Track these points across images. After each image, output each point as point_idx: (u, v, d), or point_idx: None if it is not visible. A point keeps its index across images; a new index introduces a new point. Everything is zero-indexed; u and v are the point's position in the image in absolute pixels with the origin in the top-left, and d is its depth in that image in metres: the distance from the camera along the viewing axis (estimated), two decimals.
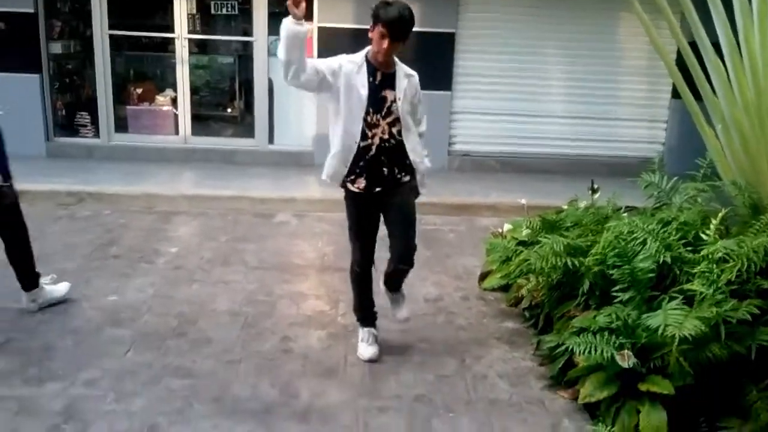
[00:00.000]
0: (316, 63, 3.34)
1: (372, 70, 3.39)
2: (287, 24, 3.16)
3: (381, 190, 3.50)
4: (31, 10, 7.58)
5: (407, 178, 3.55)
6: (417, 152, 3.54)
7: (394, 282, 3.81)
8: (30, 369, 3.46)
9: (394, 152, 3.46)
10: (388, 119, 3.41)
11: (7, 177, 3.99)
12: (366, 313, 3.84)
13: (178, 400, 3.24)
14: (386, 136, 3.42)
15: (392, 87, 3.41)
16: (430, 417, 3.21)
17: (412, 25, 3.30)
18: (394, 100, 3.41)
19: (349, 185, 3.52)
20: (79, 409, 3.13)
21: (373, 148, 3.42)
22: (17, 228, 4.06)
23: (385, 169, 3.47)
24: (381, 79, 3.40)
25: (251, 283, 4.75)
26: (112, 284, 4.61)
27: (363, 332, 3.81)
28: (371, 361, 3.69)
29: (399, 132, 3.43)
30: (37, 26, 7.66)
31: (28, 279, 4.12)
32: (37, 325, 3.94)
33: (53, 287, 4.27)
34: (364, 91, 3.36)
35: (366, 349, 3.74)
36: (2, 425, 2.98)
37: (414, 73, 3.52)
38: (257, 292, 4.61)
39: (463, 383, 3.52)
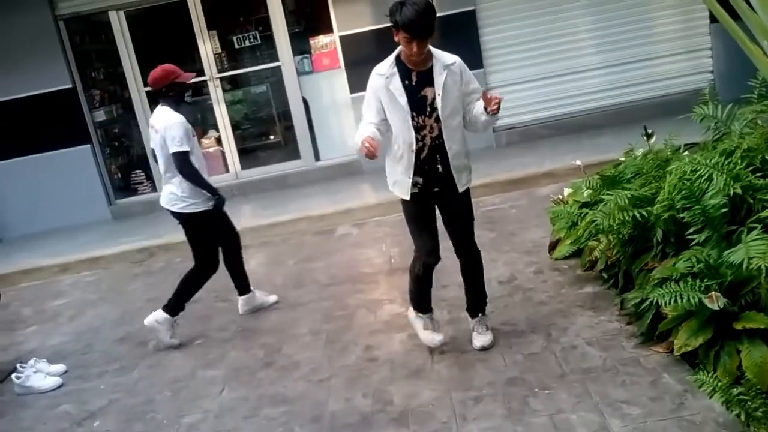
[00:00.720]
0: (371, 118, 3.39)
1: (406, 72, 3.32)
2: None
3: (438, 190, 3.49)
4: (70, 85, 7.92)
5: (465, 184, 3.53)
6: (459, 157, 3.46)
7: (474, 295, 3.78)
8: (136, 425, 3.60)
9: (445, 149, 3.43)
10: (434, 116, 3.36)
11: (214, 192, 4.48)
12: (426, 300, 3.79)
13: (278, 427, 3.31)
14: (435, 134, 3.37)
15: (431, 83, 3.32)
16: (526, 398, 3.17)
17: (434, 17, 3.19)
18: (434, 97, 3.33)
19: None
20: None
21: (426, 149, 3.39)
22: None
23: (439, 166, 3.43)
24: (417, 80, 3.32)
25: (326, 300, 4.81)
26: (197, 328, 4.75)
27: (424, 320, 3.78)
28: (442, 344, 3.69)
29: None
30: (78, 99, 8.00)
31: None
32: (135, 384, 4.10)
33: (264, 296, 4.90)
34: (402, 99, 3.31)
35: (432, 336, 3.73)
36: None
37: (454, 59, 3.38)
38: (333, 307, 4.67)
39: (553, 357, 3.47)
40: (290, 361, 4.00)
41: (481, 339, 3.71)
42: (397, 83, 3.31)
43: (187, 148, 4.22)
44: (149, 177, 8.41)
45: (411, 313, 3.85)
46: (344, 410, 3.36)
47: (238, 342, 4.41)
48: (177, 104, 4.29)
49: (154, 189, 8.39)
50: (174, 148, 4.20)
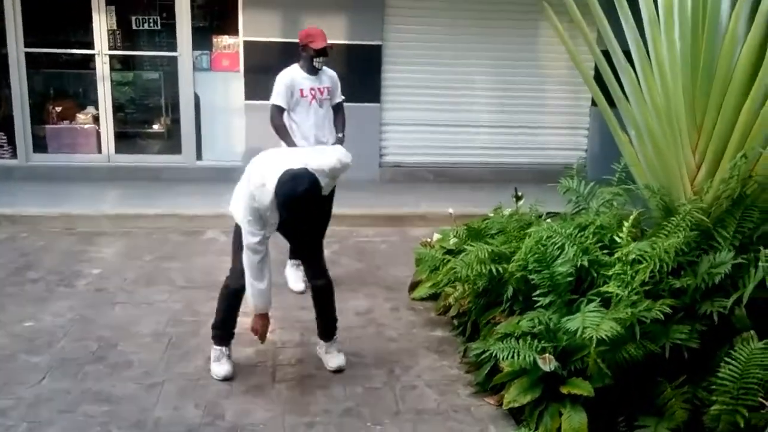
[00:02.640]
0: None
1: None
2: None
3: None
4: None
5: None
6: None
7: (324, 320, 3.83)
8: None
9: None
10: None
11: None
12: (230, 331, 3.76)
13: (95, 427, 3.13)
14: None
15: None
16: (359, 430, 3.18)
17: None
18: None
19: None
20: None
21: None
22: None
23: None
24: None
25: (177, 303, 4.64)
26: (28, 309, 4.42)
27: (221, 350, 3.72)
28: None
29: None
30: None
31: None
32: None
33: None
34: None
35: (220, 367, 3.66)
36: None
37: None
38: (183, 311, 4.50)
39: (391, 394, 3.52)
40: (124, 359, 3.80)
41: (336, 359, 3.75)
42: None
43: (278, 102, 4.63)
44: (11, 141, 7.80)
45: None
46: (171, 418, 3.22)
47: (73, 330, 4.14)
48: (307, 65, 4.67)
49: (13, 155, 7.79)
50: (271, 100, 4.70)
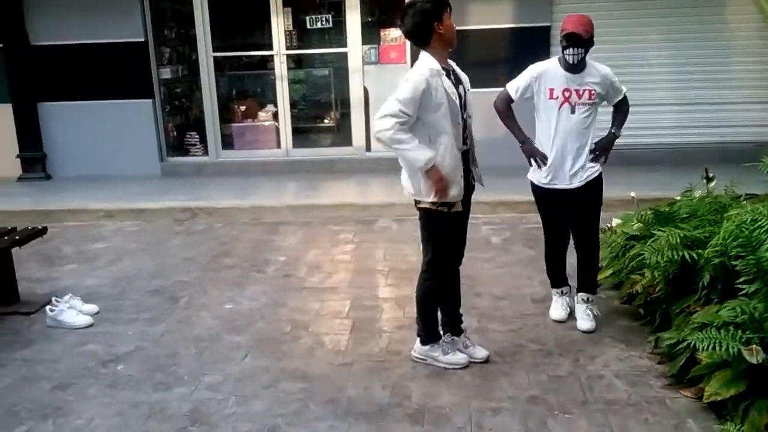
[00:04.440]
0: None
1: (446, 72, 3.33)
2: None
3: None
4: (142, 39, 8.09)
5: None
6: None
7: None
8: (158, 375, 3.67)
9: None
10: (465, 115, 3.40)
11: None
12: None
13: (295, 403, 3.34)
14: (467, 134, 3.44)
15: (461, 81, 3.41)
16: (545, 418, 3.14)
17: None
18: (466, 95, 3.41)
19: None
20: (204, 412, 3.29)
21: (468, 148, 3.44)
22: None
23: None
24: (453, 79, 3.37)
25: (357, 288, 4.84)
26: (227, 293, 4.82)
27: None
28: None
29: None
30: (148, 54, 8.17)
31: None
32: (161, 335, 4.18)
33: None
34: (455, 96, 3.29)
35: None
36: (135, 428, 3.18)
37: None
38: (363, 296, 4.69)
39: (578, 384, 3.43)
40: (316, 340, 4.03)
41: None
42: (448, 81, 3.29)
43: (511, 91, 3.88)
44: (203, 140, 8.54)
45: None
46: (361, 398, 3.37)
47: (268, 313, 4.46)
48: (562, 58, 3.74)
49: (205, 152, 8.53)
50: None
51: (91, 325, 4.32)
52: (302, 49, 8.53)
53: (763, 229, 3.21)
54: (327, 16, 8.41)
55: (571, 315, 4.15)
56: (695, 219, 4.02)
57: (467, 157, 3.44)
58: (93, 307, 4.52)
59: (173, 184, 7.90)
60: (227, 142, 8.60)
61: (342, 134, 8.71)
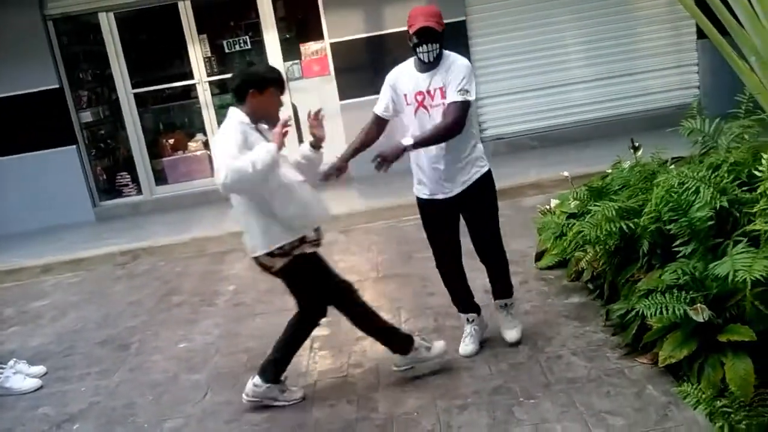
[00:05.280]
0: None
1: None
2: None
3: None
4: (57, 86, 7.85)
5: None
6: None
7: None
8: (117, 429, 3.55)
9: None
10: None
11: None
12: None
13: None
14: None
15: None
16: (511, 407, 3.17)
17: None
18: None
19: None
20: None
21: None
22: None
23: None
24: None
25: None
26: (179, 332, 4.71)
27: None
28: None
29: None
30: (65, 99, 7.93)
31: None
32: (116, 387, 4.04)
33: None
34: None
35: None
36: None
37: None
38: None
39: (538, 367, 3.47)
40: None
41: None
42: (258, 134, 3.30)
43: (375, 110, 3.54)
44: (135, 179, 8.34)
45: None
46: (328, 416, 3.34)
47: (223, 346, 4.38)
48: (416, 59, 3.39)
49: (139, 191, 8.33)
50: None
51: (40, 388, 4.15)
52: (224, 74, 8.40)
53: (690, 191, 3.31)
54: (244, 37, 8.35)
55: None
56: (627, 189, 4.11)
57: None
58: (40, 369, 4.34)
59: (109, 227, 7.68)
60: (160, 178, 8.42)
61: None
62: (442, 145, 3.35)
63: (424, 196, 3.58)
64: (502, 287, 3.83)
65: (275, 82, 3.24)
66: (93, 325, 5.12)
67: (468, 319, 3.82)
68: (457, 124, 3.24)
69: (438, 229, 3.65)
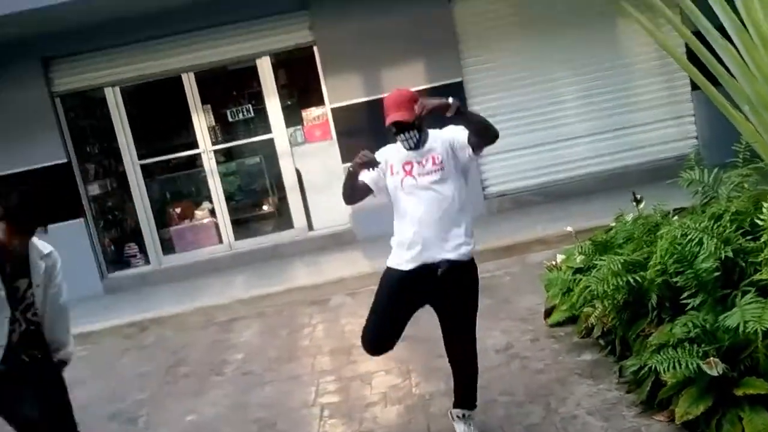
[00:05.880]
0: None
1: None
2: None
3: None
4: (65, 160, 7.98)
5: None
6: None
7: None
8: None
9: None
10: None
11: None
12: None
13: None
14: None
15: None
16: None
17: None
18: None
19: None
20: None
21: None
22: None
23: None
24: None
25: (320, 372, 4.74)
26: (187, 404, 4.65)
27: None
28: None
29: None
30: (73, 173, 8.05)
31: None
32: None
33: None
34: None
35: None
36: None
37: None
38: (328, 379, 4.59)
39: (553, 429, 3.40)
40: None
41: None
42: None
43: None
44: (143, 250, 8.38)
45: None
46: None
47: (232, 417, 4.31)
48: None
49: (147, 261, 8.35)
50: None
51: None
52: (228, 142, 8.56)
53: (694, 242, 3.31)
54: (247, 106, 8.52)
55: None
56: (632, 242, 4.11)
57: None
58: None
59: (117, 299, 7.67)
60: (168, 247, 8.45)
61: (282, 218, 8.69)
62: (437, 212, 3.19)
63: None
64: (468, 395, 3.46)
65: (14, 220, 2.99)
66: (101, 400, 5.06)
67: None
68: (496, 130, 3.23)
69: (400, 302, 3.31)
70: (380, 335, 3.31)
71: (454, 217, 3.22)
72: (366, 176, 3.30)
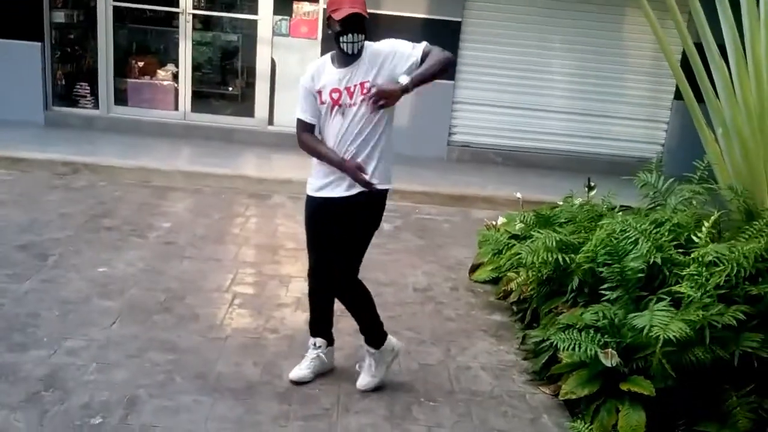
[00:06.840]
0: None
1: None
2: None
3: None
4: None
5: None
6: None
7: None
8: (14, 335, 3.46)
9: None
10: None
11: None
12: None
13: (160, 374, 3.24)
14: None
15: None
16: (410, 404, 3.21)
17: None
18: None
19: None
20: (61, 377, 3.13)
21: None
22: None
23: None
24: None
25: (242, 263, 4.75)
26: (102, 256, 4.60)
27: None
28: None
29: None
30: None
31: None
32: (24, 294, 3.93)
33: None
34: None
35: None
36: None
37: None
38: (247, 271, 4.60)
39: (446, 373, 3.53)
40: (190, 312, 3.92)
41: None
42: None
43: (301, 116, 3.08)
44: (94, 92, 8.07)
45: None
46: (231, 373, 3.32)
47: (143, 280, 4.29)
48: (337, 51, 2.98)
49: (96, 105, 8.06)
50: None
51: None
52: (210, 11, 8.22)
53: (629, 240, 3.41)
54: None
55: None
56: (572, 224, 4.21)
57: None
58: None
59: (57, 135, 7.41)
60: (120, 98, 8.15)
61: (245, 104, 8.47)
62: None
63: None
64: (365, 332, 3.34)
65: None
66: (15, 226, 4.96)
67: (315, 344, 3.38)
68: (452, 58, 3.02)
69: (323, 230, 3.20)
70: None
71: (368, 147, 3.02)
72: (310, 119, 3.06)
